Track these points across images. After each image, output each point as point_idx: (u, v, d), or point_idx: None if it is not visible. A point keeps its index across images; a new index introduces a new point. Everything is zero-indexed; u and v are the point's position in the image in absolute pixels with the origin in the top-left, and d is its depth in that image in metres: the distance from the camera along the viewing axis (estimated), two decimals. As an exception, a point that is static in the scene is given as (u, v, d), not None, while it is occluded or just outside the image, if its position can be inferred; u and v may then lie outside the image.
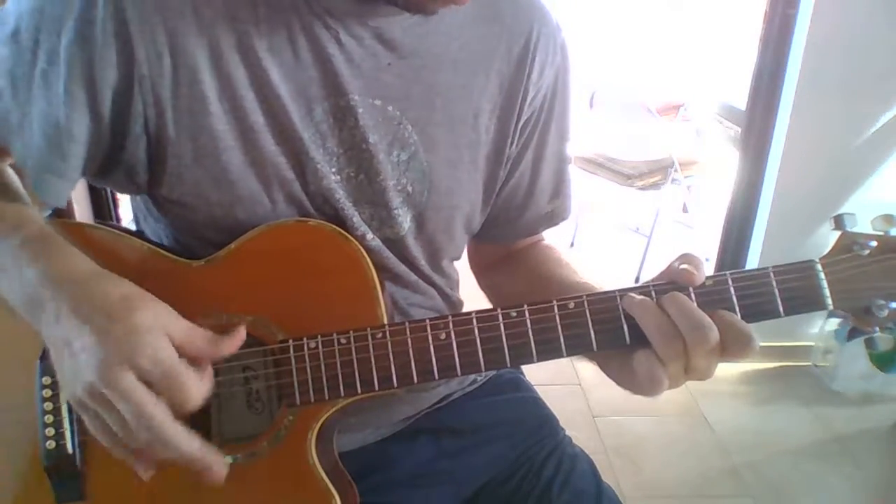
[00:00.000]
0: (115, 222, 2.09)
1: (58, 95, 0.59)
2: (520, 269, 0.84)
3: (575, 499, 0.79)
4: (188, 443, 0.54)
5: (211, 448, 0.55)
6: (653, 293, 0.58)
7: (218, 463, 0.56)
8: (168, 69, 0.61)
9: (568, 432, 0.88)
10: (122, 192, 0.71)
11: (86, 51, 0.58)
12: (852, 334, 2.25)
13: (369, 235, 0.70)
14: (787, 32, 2.08)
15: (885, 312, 0.58)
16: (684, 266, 0.58)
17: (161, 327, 0.53)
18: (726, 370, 2.40)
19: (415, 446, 0.80)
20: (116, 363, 0.50)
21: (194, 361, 0.55)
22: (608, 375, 0.64)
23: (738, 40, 3.23)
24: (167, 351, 0.52)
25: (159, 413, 0.52)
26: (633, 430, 2.11)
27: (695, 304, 0.57)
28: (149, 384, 0.51)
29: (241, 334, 0.59)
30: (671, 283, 0.59)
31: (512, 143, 0.76)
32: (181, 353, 0.54)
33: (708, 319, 0.55)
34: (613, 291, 0.60)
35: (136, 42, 0.59)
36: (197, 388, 0.53)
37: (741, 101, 2.38)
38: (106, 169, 0.66)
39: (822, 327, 2.36)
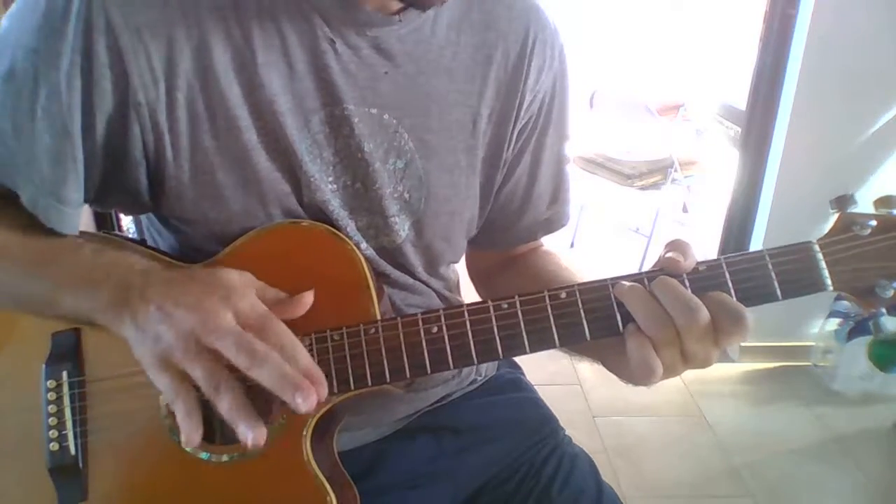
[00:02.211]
0: (117, 231, 2.10)
1: (63, 127, 0.60)
2: (521, 275, 0.84)
3: (575, 499, 0.79)
4: (302, 358, 0.55)
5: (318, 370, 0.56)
6: (645, 280, 0.58)
7: (311, 394, 0.54)
8: (163, 94, 0.61)
9: (568, 432, 0.88)
10: (127, 213, 0.72)
11: (84, 81, 0.59)
12: (852, 334, 2.25)
13: (363, 245, 0.70)
14: (787, 32, 2.08)
15: (890, 292, 0.56)
16: (670, 254, 0.58)
17: (249, 283, 0.58)
18: (726, 370, 2.40)
19: (414, 446, 0.80)
20: (219, 306, 0.54)
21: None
22: (607, 367, 0.64)
23: (738, 40, 3.23)
24: (260, 304, 0.57)
25: (261, 344, 0.53)
26: (633, 430, 2.11)
27: (683, 287, 0.56)
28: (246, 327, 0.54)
29: (308, 298, 0.61)
30: (661, 270, 0.59)
31: (509, 147, 0.76)
32: None
33: (696, 300, 0.55)
34: (605, 280, 0.60)
35: (132, 71, 0.59)
36: (290, 333, 0.55)
37: (741, 101, 2.39)
38: (106, 193, 0.66)
39: (822, 327, 2.37)
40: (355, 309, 0.63)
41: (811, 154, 2.16)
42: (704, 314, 0.55)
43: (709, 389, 2.27)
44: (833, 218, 0.60)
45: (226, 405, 0.52)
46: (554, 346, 0.60)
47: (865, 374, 2.26)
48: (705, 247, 2.73)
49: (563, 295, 0.59)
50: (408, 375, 0.60)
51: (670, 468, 1.97)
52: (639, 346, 0.56)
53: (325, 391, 0.55)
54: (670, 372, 0.57)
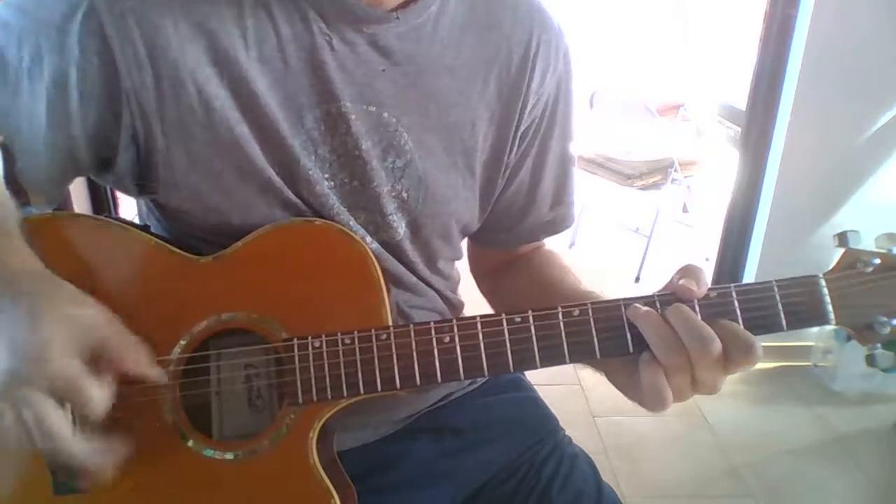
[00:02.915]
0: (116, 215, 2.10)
1: (40, 94, 0.61)
2: (522, 274, 0.84)
3: (575, 499, 0.79)
4: (82, 453, 0.54)
5: (100, 465, 0.55)
6: (657, 304, 0.59)
7: (102, 478, 0.56)
8: (150, 83, 0.61)
9: (568, 432, 0.88)
10: (125, 194, 0.72)
11: (63, 61, 0.59)
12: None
13: (368, 239, 0.70)
14: (787, 32, 2.08)
15: (888, 329, 0.58)
16: (683, 281, 0.59)
17: (68, 335, 0.53)
18: (726, 370, 2.40)
19: (415, 446, 0.80)
20: (22, 374, 0.51)
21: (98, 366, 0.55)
22: (616, 387, 0.64)
23: (738, 40, 3.23)
24: (70, 364, 0.53)
25: (59, 423, 0.52)
26: (633, 430, 2.11)
27: (698, 316, 0.57)
28: (53, 393, 0.52)
29: (153, 374, 0.59)
30: (674, 294, 0.59)
31: (511, 151, 0.76)
32: (93, 354, 0.54)
33: (710, 331, 0.56)
34: (618, 300, 0.60)
35: (118, 58, 0.60)
36: (99, 398, 0.53)
37: (741, 101, 2.38)
38: (100, 174, 0.67)
39: (821, 327, 2.36)
40: (366, 312, 0.63)
41: (811, 154, 2.16)
42: (718, 345, 0.55)
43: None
44: (834, 244, 0.61)
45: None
46: (564, 363, 0.60)
47: (865, 374, 2.26)
48: (705, 247, 2.73)
49: (576, 312, 0.60)
50: (418, 383, 0.60)
51: (670, 468, 1.97)
52: (651, 371, 0.57)
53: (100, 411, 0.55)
54: (679, 397, 0.57)
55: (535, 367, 0.60)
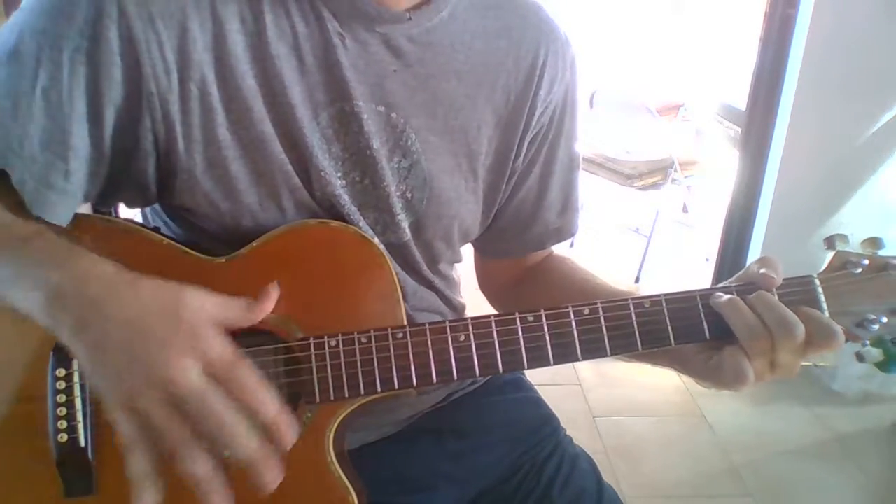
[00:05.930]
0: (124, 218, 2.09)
1: (60, 111, 0.59)
2: (555, 281, 0.84)
3: (576, 499, 0.79)
4: (249, 439, 0.51)
5: (272, 451, 0.52)
6: (734, 293, 0.61)
7: (274, 469, 0.52)
8: (176, 85, 0.61)
9: (568, 432, 0.88)
10: (131, 206, 0.71)
11: (90, 67, 0.58)
12: (852, 335, 2.25)
13: (375, 240, 0.70)
14: (787, 32, 2.09)
15: (877, 326, 0.61)
16: (764, 270, 0.61)
17: (212, 319, 0.53)
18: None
19: (416, 447, 0.80)
20: (185, 356, 0.50)
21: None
22: (687, 373, 0.66)
23: (738, 40, 3.23)
24: (228, 347, 0.52)
25: (226, 406, 0.50)
26: (633, 430, 2.11)
27: (781, 303, 0.59)
28: (212, 378, 0.51)
29: (273, 295, 0.60)
30: (752, 284, 0.62)
31: (518, 157, 0.77)
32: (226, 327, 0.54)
33: (794, 316, 0.58)
34: (626, 299, 0.62)
35: (144, 60, 0.59)
36: (258, 379, 0.52)
37: (741, 101, 2.39)
38: (113, 186, 0.65)
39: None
40: (382, 312, 0.64)
41: (811, 154, 2.16)
42: (802, 329, 0.58)
43: (709, 389, 2.27)
44: (823, 248, 0.65)
45: (196, 471, 0.50)
46: (576, 360, 0.62)
47: (865, 374, 2.26)
48: (705, 247, 2.73)
49: (587, 311, 0.62)
50: (435, 381, 0.61)
51: (670, 468, 1.97)
52: (733, 354, 0.59)
53: (292, 438, 0.53)
54: (757, 379, 0.59)
55: (548, 364, 0.62)
